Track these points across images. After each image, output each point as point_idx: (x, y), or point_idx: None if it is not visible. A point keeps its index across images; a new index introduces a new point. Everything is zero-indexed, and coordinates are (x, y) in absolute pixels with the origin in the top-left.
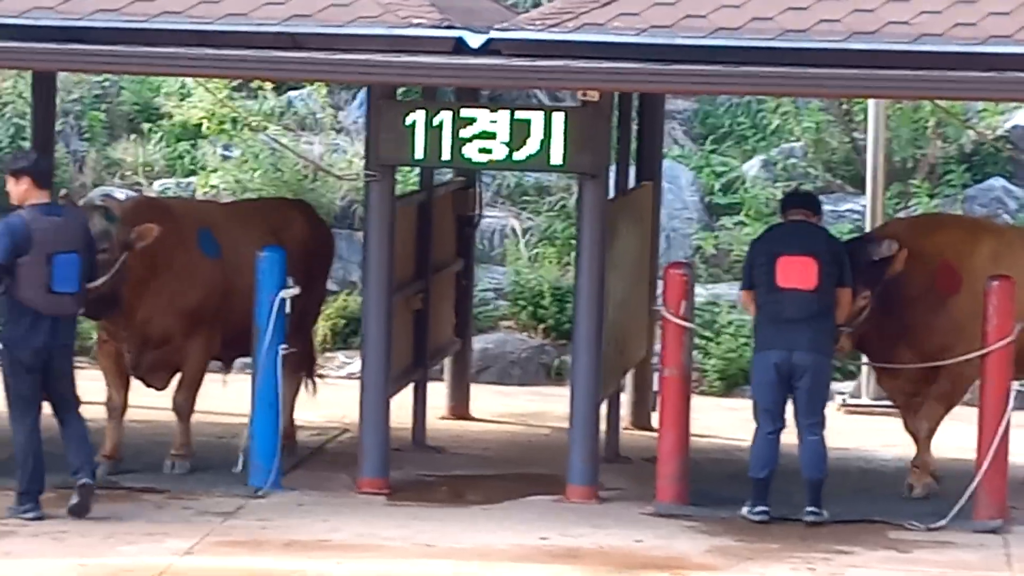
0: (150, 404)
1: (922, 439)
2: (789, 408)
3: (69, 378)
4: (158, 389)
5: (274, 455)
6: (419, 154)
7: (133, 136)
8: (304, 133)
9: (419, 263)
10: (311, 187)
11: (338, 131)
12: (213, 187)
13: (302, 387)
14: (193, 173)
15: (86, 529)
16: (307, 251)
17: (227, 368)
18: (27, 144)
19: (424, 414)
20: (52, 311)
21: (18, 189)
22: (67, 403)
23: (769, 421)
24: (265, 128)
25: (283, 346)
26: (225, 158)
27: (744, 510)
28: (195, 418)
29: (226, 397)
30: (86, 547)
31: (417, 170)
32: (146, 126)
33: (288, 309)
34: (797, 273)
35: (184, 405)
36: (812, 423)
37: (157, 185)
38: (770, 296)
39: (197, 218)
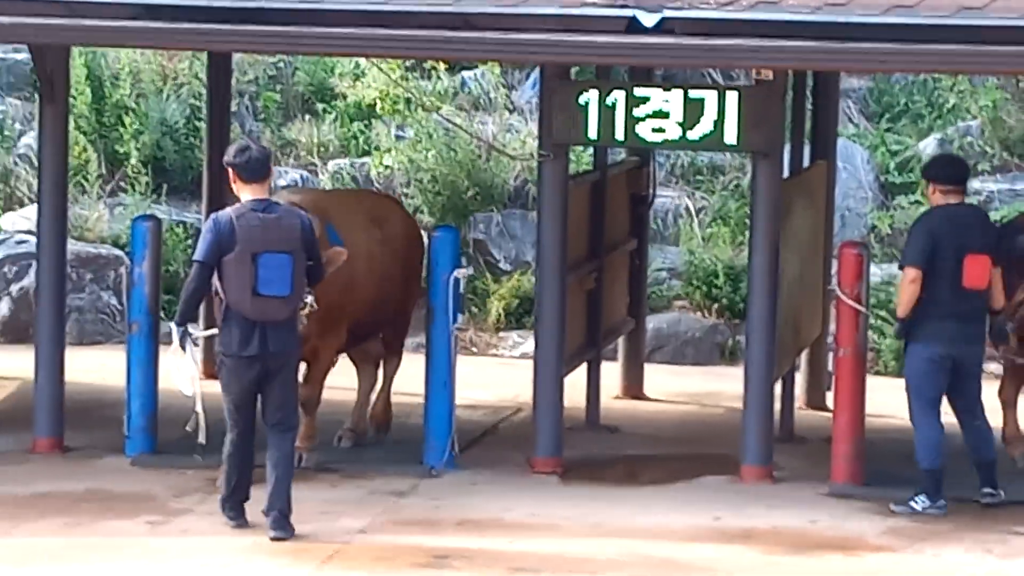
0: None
1: None
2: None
3: (316, 393)
4: None
5: (448, 434)
6: (592, 134)
7: (307, 116)
8: (477, 113)
9: (592, 243)
10: (484, 167)
11: (511, 111)
12: (387, 167)
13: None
14: (367, 153)
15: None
16: (406, 245)
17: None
18: (202, 125)
19: (598, 394)
20: (258, 316)
21: (234, 185)
22: (285, 424)
23: (932, 410)
24: (438, 108)
25: (456, 325)
26: (399, 138)
27: (919, 507)
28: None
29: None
30: (261, 525)
31: (591, 149)
32: (320, 106)
33: (462, 288)
34: (979, 273)
35: (312, 398)
36: (975, 409)
37: (331, 165)
38: (950, 292)
39: (322, 214)
